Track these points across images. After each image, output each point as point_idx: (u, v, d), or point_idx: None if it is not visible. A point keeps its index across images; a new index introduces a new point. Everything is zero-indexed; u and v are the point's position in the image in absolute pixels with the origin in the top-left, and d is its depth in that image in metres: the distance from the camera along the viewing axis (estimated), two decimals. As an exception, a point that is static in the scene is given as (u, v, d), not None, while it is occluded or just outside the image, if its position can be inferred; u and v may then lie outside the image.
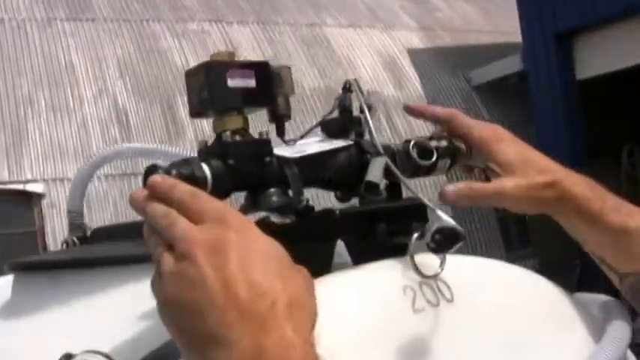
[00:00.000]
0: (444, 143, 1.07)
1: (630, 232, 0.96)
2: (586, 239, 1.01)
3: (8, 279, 1.18)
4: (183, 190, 0.76)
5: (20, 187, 8.07)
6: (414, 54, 11.54)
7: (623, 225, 0.97)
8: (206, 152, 0.89)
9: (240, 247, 0.71)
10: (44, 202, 7.97)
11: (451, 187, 0.95)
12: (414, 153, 1.04)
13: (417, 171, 1.05)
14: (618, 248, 0.98)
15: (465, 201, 0.96)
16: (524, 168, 0.98)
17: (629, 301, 1.00)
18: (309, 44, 10.92)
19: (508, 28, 11.87)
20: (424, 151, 1.06)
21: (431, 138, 1.08)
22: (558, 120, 9.40)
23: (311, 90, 9.95)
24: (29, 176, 8.15)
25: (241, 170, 0.87)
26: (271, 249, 0.73)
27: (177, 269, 0.70)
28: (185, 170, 0.83)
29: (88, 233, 1.63)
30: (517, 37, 10.21)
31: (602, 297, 1.10)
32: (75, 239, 1.65)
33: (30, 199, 7.95)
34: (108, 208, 7.87)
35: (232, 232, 0.71)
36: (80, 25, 9.66)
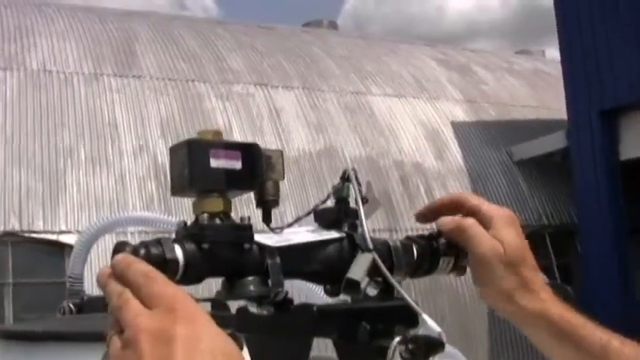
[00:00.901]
0: (445, 242, 1.01)
1: (610, 348, 0.96)
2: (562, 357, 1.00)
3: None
4: (138, 270, 0.72)
5: (54, 237, 8.13)
6: (457, 126, 11.51)
7: (605, 351, 0.96)
8: (183, 234, 0.84)
9: (187, 341, 0.66)
10: (77, 254, 7.98)
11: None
12: (415, 250, 0.99)
13: (416, 270, 0.99)
14: None
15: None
16: (522, 257, 1.00)
17: None
18: (353, 111, 10.95)
19: (554, 105, 11.82)
20: (425, 249, 1.00)
21: (435, 236, 1.02)
22: (600, 199, 9.26)
23: (352, 158, 9.95)
24: (63, 227, 8.20)
25: (217, 255, 0.82)
26: (220, 345, 0.68)
27: (121, 356, 0.67)
28: (155, 250, 0.79)
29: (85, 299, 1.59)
30: (563, 114, 10.13)
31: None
32: (71, 306, 1.62)
33: (62, 250, 7.99)
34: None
35: (181, 323, 0.67)
36: (126, 81, 9.82)
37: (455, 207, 1.05)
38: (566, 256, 10.30)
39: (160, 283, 0.71)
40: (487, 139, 11.39)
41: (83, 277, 1.59)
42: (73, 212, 8.34)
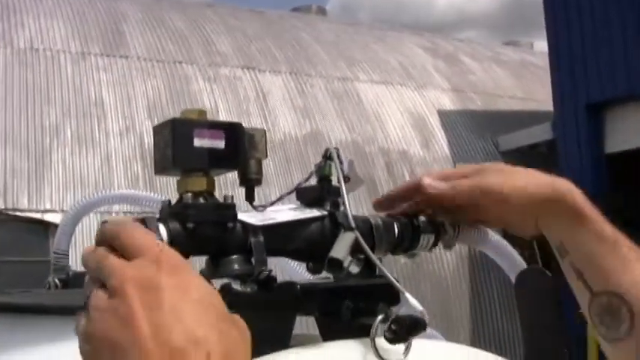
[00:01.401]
0: (426, 219, 1.02)
1: (617, 250, 0.99)
2: (575, 247, 1.02)
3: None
4: (115, 224, 0.72)
5: (39, 215, 8.10)
6: (443, 115, 11.53)
7: (616, 238, 1.01)
8: (167, 213, 0.85)
9: (175, 290, 0.65)
10: (61, 233, 7.96)
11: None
12: (396, 228, 1.00)
13: (396, 247, 1.00)
14: (602, 264, 0.99)
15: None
16: (526, 176, 1.03)
17: (595, 326, 1.01)
18: (340, 97, 10.95)
19: (540, 96, 11.86)
20: (406, 226, 1.01)
21: (415, 214, 1.03)
22: (585, 192, 9.30)
23: (337, 143, 9.95)
24: (48, 206, 8.18)
25: (201, 234, 0.83)
26: (208, 296, 0.68)
27: (107, 305, 0.65)
28: (139, 229, 0.80)
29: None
30: (549, 106, 10.17)
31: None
32: (57, 281, 1.63)
33: (47, 229, 7.96)
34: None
35: (167, 273, 0.66)
36: (113, 61, 9.77)
37: (412, 194, 1.07)
38: (550, 247, 10.34)
39: (141, 233, 0.71)
40: (473, 128, 11.42)
41: (69, 253, 1.60)
42: (58, 191, 8.31)
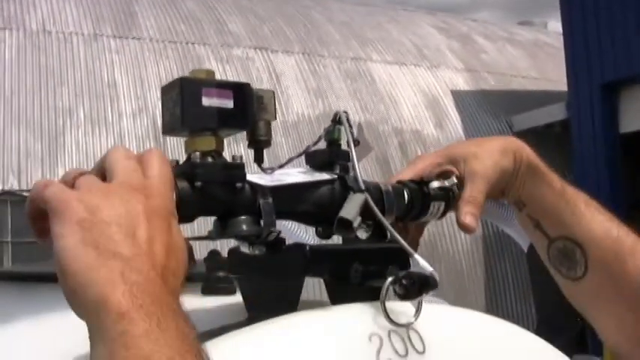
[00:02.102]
0: (437, 185, 1.01)
1: (566, 195, 1.08)
2: (531, 199, 1.08)
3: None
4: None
5: (53, 198, 8.10)
6: (457, 95, 11.47)
7: (563, 188, 1.08)
8: (175, 172, 0.84)
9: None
10: (74, 214, 7.98)
11: (468, 218, 0.99)
12: (405, 194, 0.99)
13: (406, 214, 0.99)
14: (555, 211, 1.07)
15: (476, 217, 1.01)
16: (482, 146, 1.06)
17: (554, 267, 1.09)
18: (353, 78, 10.91)
19: (554, 76, 11.77)
20: (416, 193, 1.00)
21: (426, 181, 1.02)
22: (599, 172, 9.25)
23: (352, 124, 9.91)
24: (62, 186, 8.19)
25: (209, 194, 0.82)
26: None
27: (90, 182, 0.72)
28: (148, 189, 0.79)
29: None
30: (563, 86, 10.10)
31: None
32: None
33: (61, 211, 7.96)
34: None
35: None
36: (126, 42, 9.76)
37: None
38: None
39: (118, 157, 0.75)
40: (487, 108, 11.36)
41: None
42: (71, 172, 8.32)
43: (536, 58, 13.56)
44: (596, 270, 1.05)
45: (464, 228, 0.99)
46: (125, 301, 0.62)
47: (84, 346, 0.90)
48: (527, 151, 1.07)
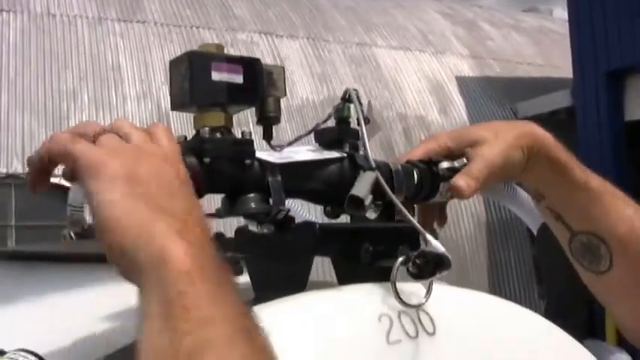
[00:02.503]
0: (446, 165, 0.99)
1: (590, 190, 1.03)
2: (551, 192, 1.05)
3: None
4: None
5: (56, 180, 8.11)
6: (461, 81, 11.43)
7: (586, 182, 1.03)
8: (183, 147, 0.82)
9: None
10: (79, 198, 7.99)
11: (461, 181, 0.96)
12: (415, 174, 0.97)
13: (416, 195, 0.97)
14: (577, 205, 1.04)
15: (470, 186, 0.97)
16: (496, 133, 1.02)
17: (576, 260, 1.06)
18: (358, 63, 10.87)
19: (560, 63, 11.72)
20: (425, 173, 0.99)
21: (436, 162, 1.00)
22: (604, 159, 9.23)
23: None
24: (66, 170, 8.20)
25: (217, 170, 0.81)
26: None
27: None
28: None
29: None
30: (568, 73, 10.06)
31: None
32: (72, 234, 1.63)
33: (65, 193, 7.94)
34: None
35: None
36: (130, 26, 9.73)
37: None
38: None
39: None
40: (492, 94, 11.33)
41: (83, 207, 1.58)
42: (75, 156, 8.32)
43: (541, 45, 13.51)
44: (621, 265, 1.03)
45: (455, 190, 0.96)
46: (188, 259, 0.60)
47: (86, 324, 0.90)
48: (546, 144, 1.04)
